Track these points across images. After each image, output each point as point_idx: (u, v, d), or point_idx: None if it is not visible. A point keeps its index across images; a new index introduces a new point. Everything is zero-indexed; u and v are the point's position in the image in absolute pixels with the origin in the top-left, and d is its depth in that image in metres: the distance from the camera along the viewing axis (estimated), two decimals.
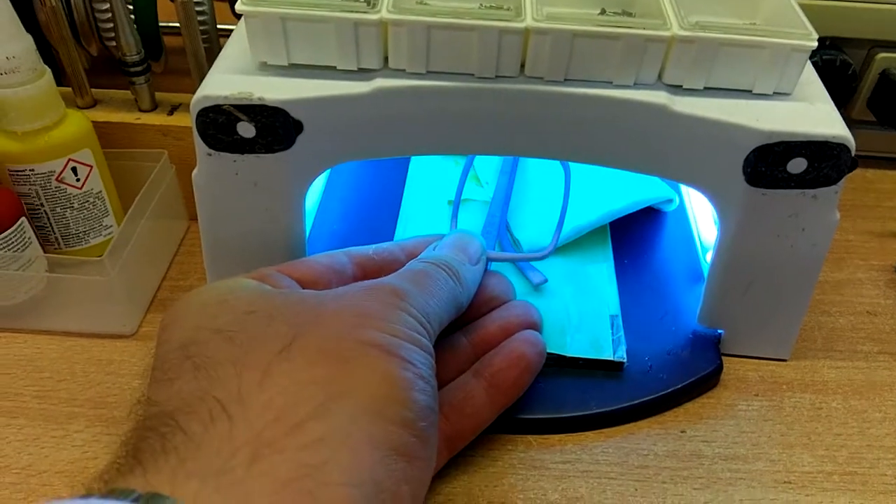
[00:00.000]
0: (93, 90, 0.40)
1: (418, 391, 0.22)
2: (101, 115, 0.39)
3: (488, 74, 0.29)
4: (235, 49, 0.31)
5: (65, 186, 0.36)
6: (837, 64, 0.43)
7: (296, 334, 0.22)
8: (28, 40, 0.32)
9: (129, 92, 0.40)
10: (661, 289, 0.38)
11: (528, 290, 0.37)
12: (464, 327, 0.32)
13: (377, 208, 0.41)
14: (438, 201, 0.41)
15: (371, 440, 0.20)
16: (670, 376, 0.34)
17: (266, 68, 0.30)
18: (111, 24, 0.41)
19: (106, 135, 0.38)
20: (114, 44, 0.43)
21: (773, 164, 0.29)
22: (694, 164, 0.30)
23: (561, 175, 0.39)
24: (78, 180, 0.36)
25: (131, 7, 0.39)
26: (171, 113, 0.40)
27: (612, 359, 0.34)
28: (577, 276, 0.38)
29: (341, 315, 0.23)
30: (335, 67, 0.29)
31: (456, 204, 0.37)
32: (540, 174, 0.42)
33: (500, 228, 0.38)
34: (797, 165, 0.29)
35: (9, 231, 0.33)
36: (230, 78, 0.29)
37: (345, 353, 0.22)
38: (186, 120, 0.39)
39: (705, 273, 0.38)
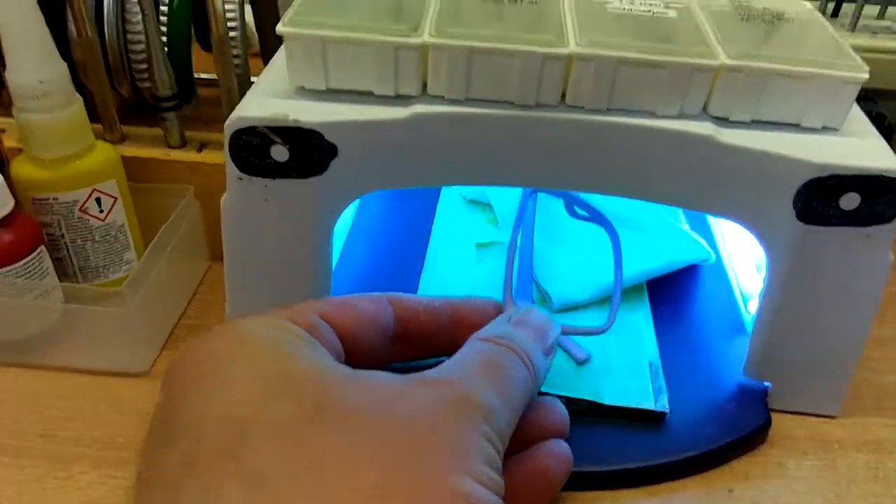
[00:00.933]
0: (122, 127, 0.40)
1: None
2: (129, 150, 0.39)
3: (528, 102, 0.28)
4: (272, 75, 0.31)
5: (87, 217, 0.35)
6: (872, 115, 0.42)
7: (383, 470, 0.18)
8: (63, 67, 0.32)
9: (158, 129, 0.40)
10: (702, 340, 0.36)
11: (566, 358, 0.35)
12: None
13: (403, 247, 0.40)
14: (466, 244, 0.40)
15: None
16: (716, 431, 0.31)
17: (303, 93, 0.29)
18: (144, 66, 0.41)
19: (133, 169, 0.37)
20: (147, 84, 0.43)
21: (824, 199, 0.28)
22: (742, 200, 0.29)
23: (583, 225, 0.38)
24: (101, 211, 0.35)
25: (165, 43, 0.39)
26: (200, 150, 0.39)
27: (653, 408, 0.32)
28: (613, 323, 0.36)
29: (431, 447, 0.20)
30: (372, 93, 0.29)
31: (512, 244, 0.35)
32: (559, 222, 0.40)
33: (529, 284, 0.36)
34: (850, 201, 0.28)
35: (27, 259, 0.32)
36: (266, 101, 0.29)
37: None
38: (216, 157, 0.38)
39: (747, 325, 0.36)
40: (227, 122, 0.28)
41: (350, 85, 0.29)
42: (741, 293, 0.38)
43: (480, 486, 0.20)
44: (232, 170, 0.29)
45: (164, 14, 0.41)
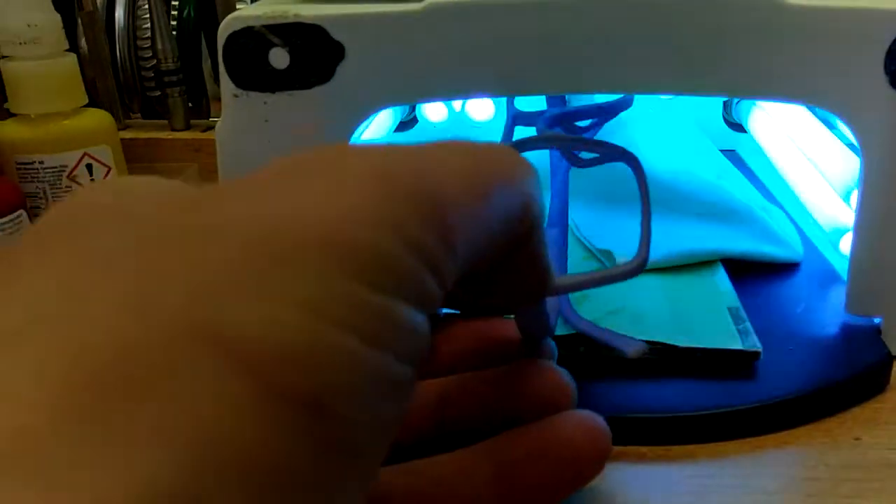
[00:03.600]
0: (125, 121, 0.38)
1: None
2: (130, 133, 0.36)
3: None
4: None
5: (77, 187, 0.31)
6: None
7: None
8: (55, 17, 0.30)
9: (163, 121, 0.37)
10: (789, 287, 0.30)
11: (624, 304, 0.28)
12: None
13: None
14: None
15: None
16: (825, 371, 0.25)
17: None
18: (150, 51, 0.39)
19: (133, 150, 0.34)
20: (157, 93, 0.41)
21: None
22: (819, 76, 0.25)
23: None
24: (93, 181, 0.32)
25: (174, 24, 0.37)
26: (205, 130, 0.36)
27: (741, 348, 0.25)
28: (680, 280, 0.30)
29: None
30: None
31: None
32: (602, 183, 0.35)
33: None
34: None
35: (3, 220, 0.29)
36: (265, 5, 0.26)
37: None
38: None
39: (839, 269, 0.30)
40: (221, 26, 0.25)
41: None
42: (827, 236, 0.33)
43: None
44: (227, 86, 0.26)
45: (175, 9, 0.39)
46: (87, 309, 0.09)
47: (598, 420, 0.18)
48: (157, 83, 0.36)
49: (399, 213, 0.10)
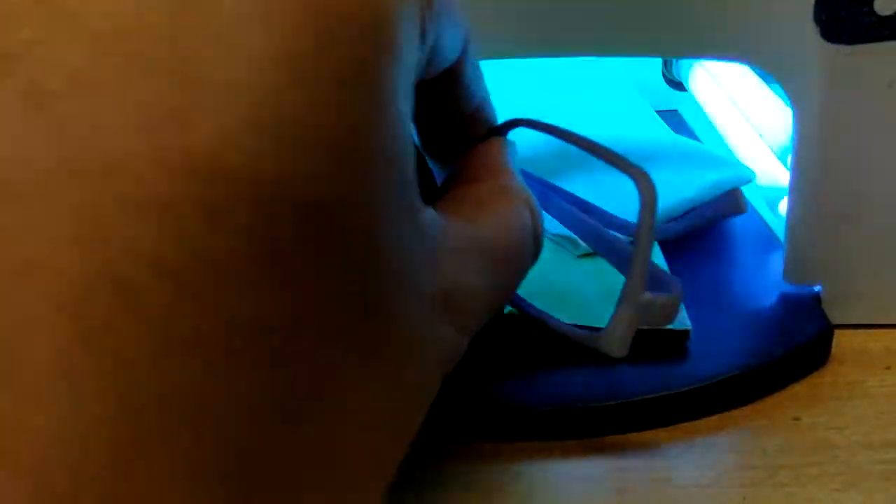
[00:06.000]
0: None
1: None
2: None
3: None
4: None
5: None
6: None
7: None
8: None
9: None
10: (723, 255, 0.29)
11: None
12: None
13: None
14: None
15: None
16: (762, 346, 0.24)
17: None
18: None
19: None
20: None
21: (854, 3, 0.21)
22: (746, 29, 0.23)
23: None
24: None
25: None
26: None
27: (670, 327, 0.24)
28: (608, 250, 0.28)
29: None
30: None
31: None
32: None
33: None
34: (888, 2, 0.21)
35: None
36: None
37: None
38: None
39: (777, 232, 0.29)
40: None
41: None
42: (764, 199, 0.31)
43: None
44: None
45: None
46: None
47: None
48: None
49: None
